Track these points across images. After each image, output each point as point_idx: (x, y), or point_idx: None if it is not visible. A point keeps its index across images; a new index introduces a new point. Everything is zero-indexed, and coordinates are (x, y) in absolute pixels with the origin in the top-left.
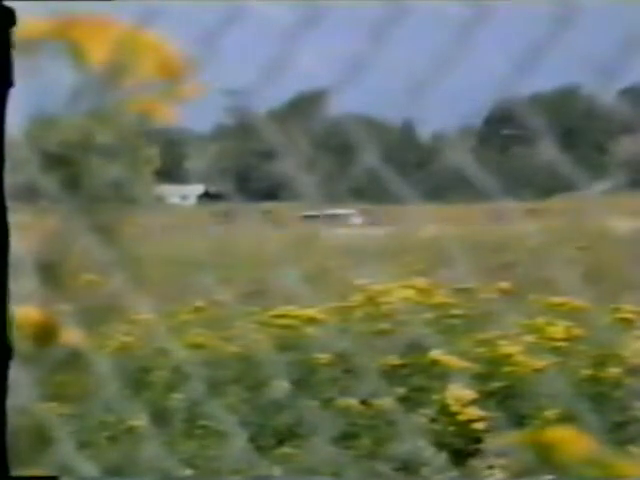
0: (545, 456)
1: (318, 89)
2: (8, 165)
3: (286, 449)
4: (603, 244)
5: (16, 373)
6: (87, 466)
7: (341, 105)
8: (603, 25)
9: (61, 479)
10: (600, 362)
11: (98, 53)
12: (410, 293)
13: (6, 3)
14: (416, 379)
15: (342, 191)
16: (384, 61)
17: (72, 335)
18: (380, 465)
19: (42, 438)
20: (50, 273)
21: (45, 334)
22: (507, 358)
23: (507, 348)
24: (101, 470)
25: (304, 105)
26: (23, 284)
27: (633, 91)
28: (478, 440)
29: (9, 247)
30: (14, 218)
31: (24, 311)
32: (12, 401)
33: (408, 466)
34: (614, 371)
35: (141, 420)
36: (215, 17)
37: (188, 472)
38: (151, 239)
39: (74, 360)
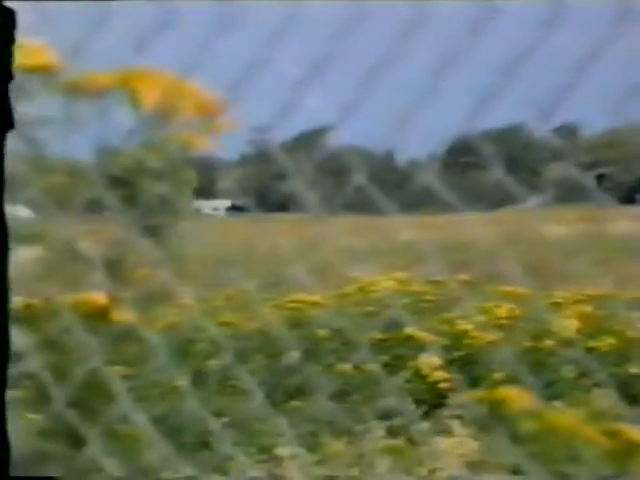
0: (495, 409)
1: (320, 126)
2: (80, 184)
3: (295, 403)
4: (540, 245)
5: (88, 342)
6: (140, 416)
7: (338, 138)
8: (540, 74)
9: None
10: (537, 336)
11: (151, 98)
12: (392, 284)
13: (6, 3)
14: (396, 349)
15: (337, 204)
16: (372, 103)
17: (129, 315)
18: (367, 415)
19: (106, 394)
20: (114, 268)
21: (109, 314)
22: (465, 333)
23: (465, 326)
24: (150, 418)
25: (308, 139)
26: (95, 277)
27: (562, 128)
28: (444, 397)
29: (8, 252)
30: (87, 226)
31: (95, 296)
32: (84, 364)
33: (390, 415)
34: (548, 343)
35: (184, 381)
36: (241, 67)
37: (221, 420)
38: (191, 241)
39: (132, 334)
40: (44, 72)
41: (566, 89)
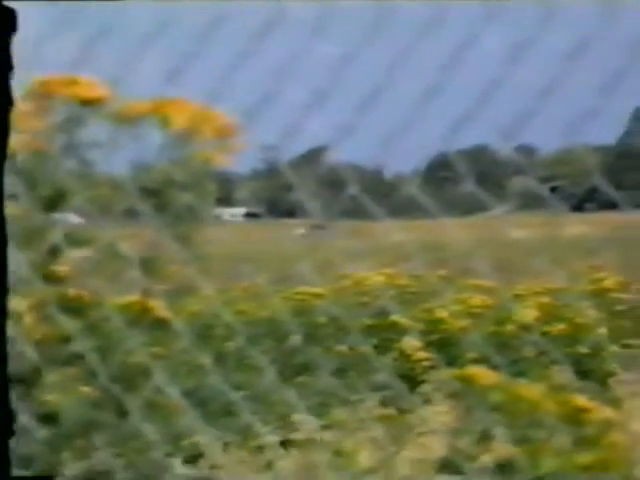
0: (467, 384)
1: (320, 146)
2: (120, 195)
3: (300, 379)
4: (505, 246)
5: (126, 331)
6: (173, 389)
7: (335, 156)
8: (505, 102)
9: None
10: (501, 322)
11: (180, 123)
12: (381, 278)
13: (6, 3)
14: (384, 334)
15: (335, 211)
16: (365, 126)
17: (163, 308)
18: (361, 389)
19: (143, 371)
20: (148, 266)
21: (145, 309)
22: (442, 320)
23: (442, 313)
24: (181, 391)
25: (311, 156)
26: (131, 273)
27: (522, 148)
28: (425, 373)
29: (7, 252)
30: (125, 231)
31: (132, 297)
32: (124, 346)
33: (379, 389)
34: (510, 328)
35: (207, 360)
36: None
37: (240, 393)
38: (212, 243)
39: (162, 322)
40: (96, 104)
41: (527, 114)
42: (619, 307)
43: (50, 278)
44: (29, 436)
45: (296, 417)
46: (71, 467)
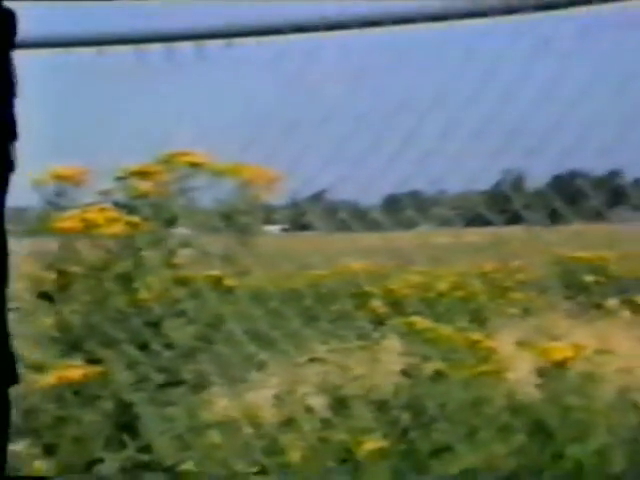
0: (410, 327)
1: (321, 189)
2: (208, 218)
3: (313, 324)
4: (430, 248)
5: (211, 296)
6: (238, 329)
7: (331, 195)
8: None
9: None
10: (428, 290)
11: (244, 176)
12: (359, 266)
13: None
14: (360, 298)
15: (332, 228)
16: (352, 175)
17: (229, 281)
18: (347, 330)
19: (221, 318)
20: (225, 259)
21: (219, 280)
22: (393, 290)
23: (394, 286)
24: (243, 330)
25: (317, 196)
26: (215, 262)
27: (439, 190)
28: (383, 320)
29: (8, 252)
30: (212, 238)
31: (209, 272)
32: (209, 304)
33: (358, 329)
34: (433, 294)
35: (258, 312)
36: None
37: (278, 332)
38: (261, 248)
39: (231, 290)
40: (199, 166)
41: (441, 173)
42: (494, 282)
43: (170, 266)
44: (157, 356)
45: (312, 346)
46: (184, 371)
